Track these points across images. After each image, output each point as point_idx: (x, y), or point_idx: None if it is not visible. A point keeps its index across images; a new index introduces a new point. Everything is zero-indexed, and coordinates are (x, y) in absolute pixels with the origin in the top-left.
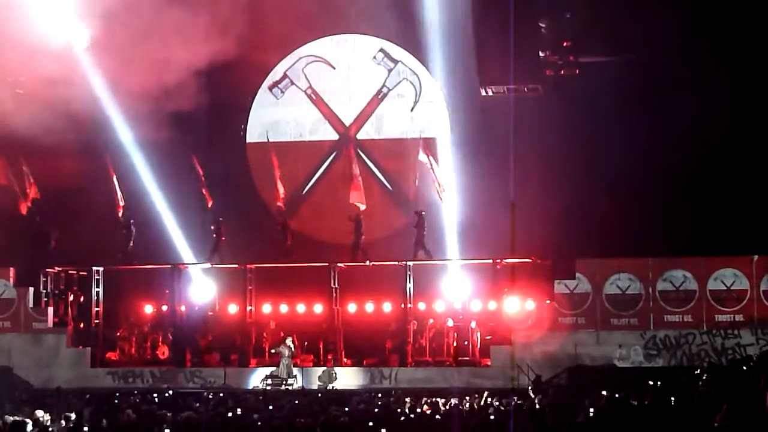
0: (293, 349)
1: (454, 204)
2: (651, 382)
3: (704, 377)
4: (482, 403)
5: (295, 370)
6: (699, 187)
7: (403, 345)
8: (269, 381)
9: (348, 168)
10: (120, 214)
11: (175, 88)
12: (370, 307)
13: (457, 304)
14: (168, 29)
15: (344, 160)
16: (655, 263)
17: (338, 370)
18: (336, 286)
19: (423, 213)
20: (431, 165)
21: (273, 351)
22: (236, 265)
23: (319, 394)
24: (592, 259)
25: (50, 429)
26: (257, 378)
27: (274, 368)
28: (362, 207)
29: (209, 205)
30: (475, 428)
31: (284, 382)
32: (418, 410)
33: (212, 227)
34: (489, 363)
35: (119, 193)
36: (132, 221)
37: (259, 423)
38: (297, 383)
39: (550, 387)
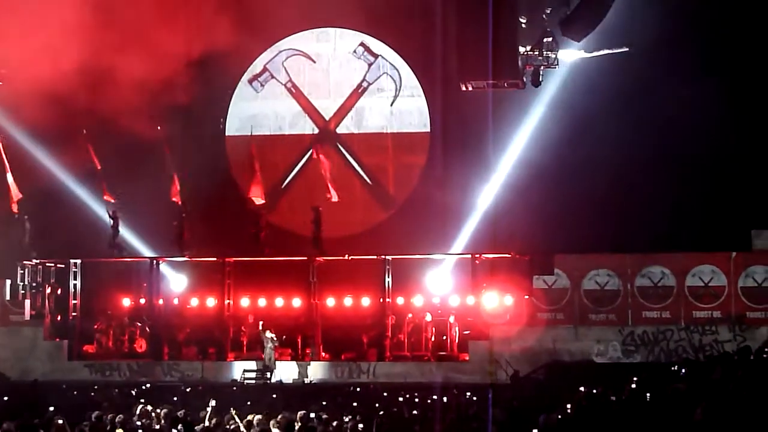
0: (275, 339)
1: (433, 199)
2: (635, 378)
3: (681, 373)
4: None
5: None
6: (678, 183)
7: (381, 339)
8: (247, 375)
9: (324, 164)
10: (15, 209)
11: (156, 81)
12: (348, 301)
13: (435, 298)
14: (149, 20)
15: (324, 155)
16: (633, 259)
17: (316, 364)
18: (314, 280)
19: (320, 209)
20: (324, 166)
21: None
22: (214, 259)
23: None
24: (570, 254)
25: None
26: (235, 372)
27: (252, 362)
28: (260, 201)
29: (106, 198)
30: (453, 423)
31: (270, 374)
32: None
33: (110, 219)
34: (467, 358)
35: (13, 187)
36: (26, 216)
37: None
38: (275, 377)
39: (528, 382)
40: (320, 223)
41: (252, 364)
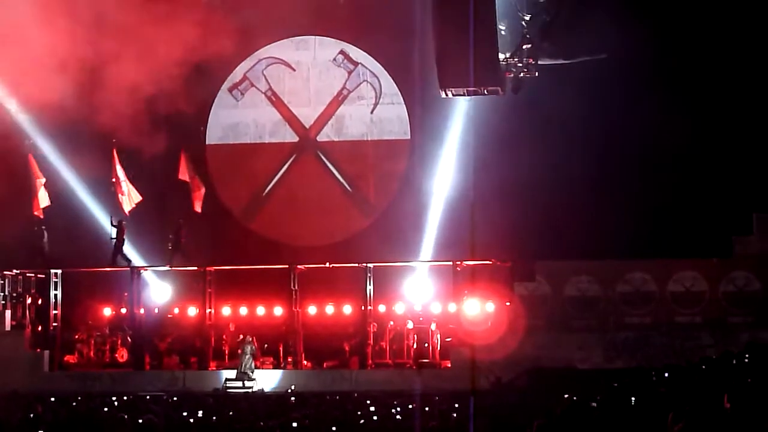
0: (254, 349)
1: (414, 206)
2: (613, 384)
3: (664, 379)
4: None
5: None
6: (659, 189)
7: (363, 347)
8: (229, 384)
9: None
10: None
11: (136, 90)
12: (330, 309)
13: (417, 306)
14: (130, 29)
15: (303, 163)
16: (615, 265)
17: (298, 373)
18: (296, 288)
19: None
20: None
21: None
22: (195, 268)
23: (279, 398)
24: (552, 261)
25: None
26: (217, 381)
27: (234, 370)
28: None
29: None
30: (435, 430)
31: (244, 379)
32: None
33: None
34: (449, 365)
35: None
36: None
37: (219, 426)
38: (257, 386)
39: (510, 389)
40: (180, 235)
41: (234, 373)
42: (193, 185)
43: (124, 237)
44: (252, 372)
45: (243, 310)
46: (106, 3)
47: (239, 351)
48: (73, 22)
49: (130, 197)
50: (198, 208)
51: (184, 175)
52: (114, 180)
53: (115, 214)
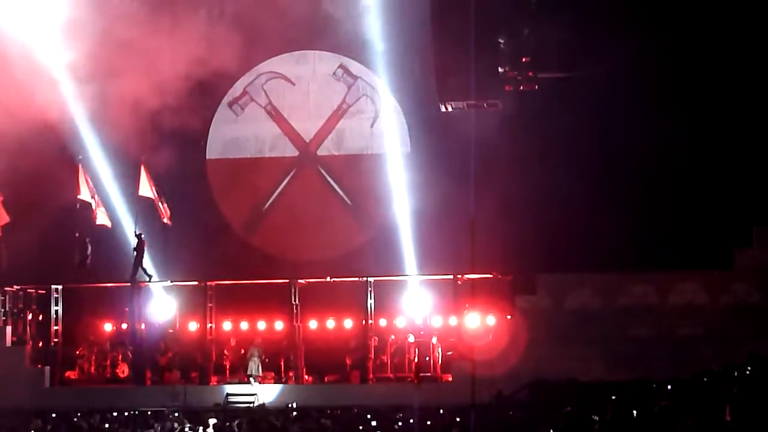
0: (259, 355)
1: (414, 220)
2: (612, 397)
3: (666, 391)
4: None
5: (256, 387)
6: (659, 202)
7: (364, 361)
8: (231, 399)
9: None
10: None
11: (136, 105)
12: (331, 323)
13: (418, 320)
14: (131, 44)
15: (303, 177)
16: (616, 277)
17: (299, 387)
18: (297, 302)
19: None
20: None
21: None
22: (196, 282)
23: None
24: (553, 274)
25: None
26: (218, 396)
27: (235, 385)
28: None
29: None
30: None
31: (252, 379)
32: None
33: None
34: (450, 379)
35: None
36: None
37: None
38: (258, 400)
39: (511, 402)
40: (142, 249)
41: (235, 388)
42: (157, 198)
43: (89, 254)
44: (258, 375)
45: (244, 325)
46: (106, 18)
47: (248, 355)
48: (74, 36)
49: (97, 214)
50: (168, 221)
51: (145, 190)
52: (93, 197)
53: (81, 230)
